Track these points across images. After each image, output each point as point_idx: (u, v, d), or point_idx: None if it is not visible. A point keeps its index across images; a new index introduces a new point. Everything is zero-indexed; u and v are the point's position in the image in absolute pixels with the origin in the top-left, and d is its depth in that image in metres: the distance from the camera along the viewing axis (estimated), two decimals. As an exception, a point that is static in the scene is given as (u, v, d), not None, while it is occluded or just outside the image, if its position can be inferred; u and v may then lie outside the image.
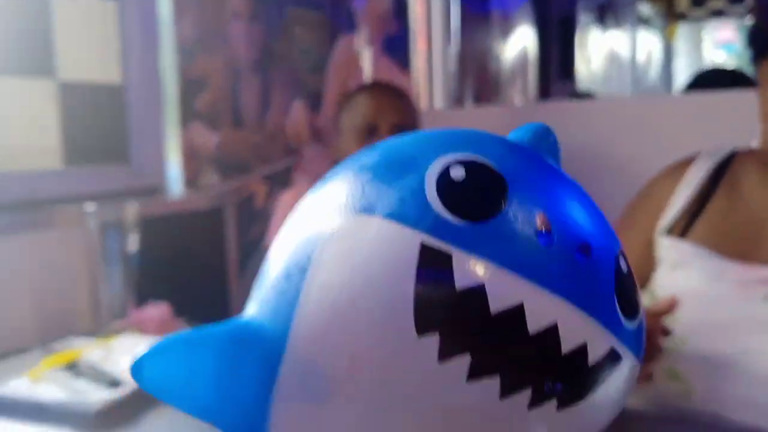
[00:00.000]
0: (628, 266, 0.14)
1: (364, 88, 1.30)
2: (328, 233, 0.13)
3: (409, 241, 0.12)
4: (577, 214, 0.13)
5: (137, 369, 0.14)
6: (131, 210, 1.03)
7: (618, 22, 4.54)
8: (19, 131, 1.21)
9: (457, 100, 2.19)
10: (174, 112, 1.47)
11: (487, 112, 1.84)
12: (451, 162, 0.13)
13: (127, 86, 1.37)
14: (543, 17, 3.42)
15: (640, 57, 4.58)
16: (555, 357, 0.12)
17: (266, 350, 0.13)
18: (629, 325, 0.13)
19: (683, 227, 0.80)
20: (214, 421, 0.15)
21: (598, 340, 0.12)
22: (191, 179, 1.52)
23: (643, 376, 0.70)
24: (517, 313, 0.12)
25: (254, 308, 0.15)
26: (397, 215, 0.13)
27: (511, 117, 1.66)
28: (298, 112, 1.79)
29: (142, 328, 0.99)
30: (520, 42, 3.20)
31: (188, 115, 1.51)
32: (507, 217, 0.12)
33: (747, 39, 0.81)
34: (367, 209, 0.13)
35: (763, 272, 0.73)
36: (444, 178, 0.12)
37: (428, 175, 0.13)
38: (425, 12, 2.07)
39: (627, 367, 0.13)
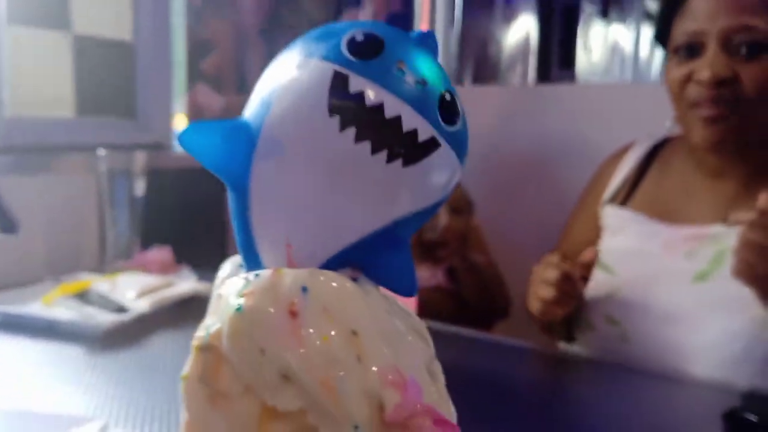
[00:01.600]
0: (454, 98, 0.22)
1: None
2: (286, 70, 0.21)
3: (328, 69, 0.22)
4: (423, 67, 0.21)
5: (180, 137, 0.22)
6: (140, 158, 1.08)
7: (622, 15, 4.58)
8: (34, 80, 1.27)
9: (456, 80, 2.24)
10: (181, 72, 1.53)
11: (485, 91, 1.89)
12: (357, 32, 0.21)
13: (138, 43, 1.42)
14: (546, 5, 3.46)
15: (643, 51, 4.62)
16: (399, 133, 0.20)
17: (250, 132, 0.21)
18: (448, 128, 0.21)
19: (623, 198, 0.93)
20: (219, 173, 0.22)
21: (424, 128, 0.21)
22: (195, 138, 1.57)
23: (561, 309, 0.83)
24: (381, 106, 0.21)
25: (246, 114, 0.22)
26: (324, 57, 0.22)
27: (507, 97, 1.71)
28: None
29: (145, 269, 1.05)
30: (522, 28, 3.24)
31: (195, 76, 1.56)
32: (382, 60, 0.21)
33: (654, 38, 0.93)
34: (309, 55, 0.22)
35: (685, 232, 0.84)
36: (352, 38, 0.21)
37: (344, 37, 0.21)
38: (430, -10, 2.11)
39: (446, 155, 0.21)
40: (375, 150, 0.20)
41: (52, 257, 1.09)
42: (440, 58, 0.25)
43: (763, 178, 0.82)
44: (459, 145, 0.21)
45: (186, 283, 0.99)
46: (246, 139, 0.21)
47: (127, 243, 1.07)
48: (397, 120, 0.20)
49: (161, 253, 1.09)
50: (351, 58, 0.20)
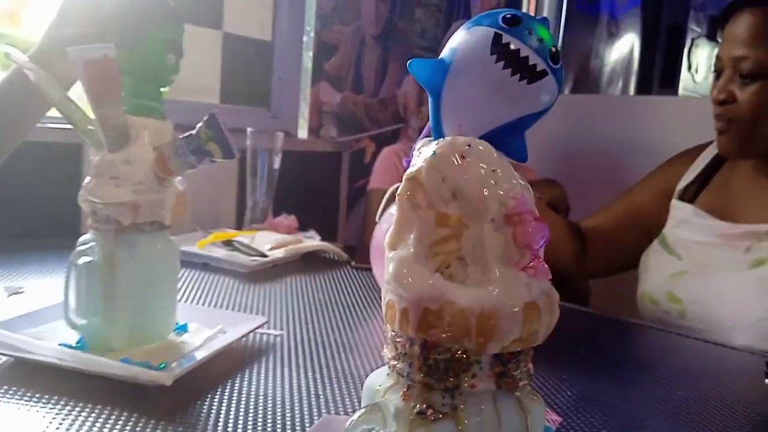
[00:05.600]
0: (558, 51, 0.34)
1: None
2: (465, 33, 0.35)
3: (491, 31, 0.33)
4: (542, 33, 0.33)
5: (409, 66, 0.36)
6: (278, 137, 1.27)
7: (731, 38, 4.45)
8: (189, 70, 1.50)
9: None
10: (308, 70, 1.73)
11: (581, 99, 1.98)
12: (507, 13, 0.34)
13: (275, 43, 1.64)
14: (651, 23, 3.48)
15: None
16: (527, 65, 0.32)
17: (446, 64, 0.34)
18: (553, 66, 0.33)
19: (692, 195, 1.06)
20: (426, 86, 0.36)
21: (540, 64, 0.32)
22: (314, 129, 1.77)
23: None
24: (518, 51, 0.33)
25: (441, 56, 0.36)
26: (488, 25, 0.33)
27: (602, 107, 1.81)
28: (409, 85, 2.01)
29: (275, 231, 1.24)
30: (626, 45, 3.28)
31: (318, 74, 1.76)
32: (520, 28, 0.32)
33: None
34: (479, 25, 0.34)
35: (744, 229, 0.95)
36: (504, 15, 0.33)
37: (500, 15, 0.34)
38: (535, 7, 2.24)
39: (551, 81, 0.33)
40: (513, 74, 0.34)
41: (198, 215, 1.30)
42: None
43: None
44: (558, 77, 0.35)
45: (312, 241, 1.17)
46: (443, 68, 0.35)
47: (262, 208, 1.26)
48: (526, 58, 0.33)
49: (288, 220, 1.27)
50: (504, 25, 0.34)
